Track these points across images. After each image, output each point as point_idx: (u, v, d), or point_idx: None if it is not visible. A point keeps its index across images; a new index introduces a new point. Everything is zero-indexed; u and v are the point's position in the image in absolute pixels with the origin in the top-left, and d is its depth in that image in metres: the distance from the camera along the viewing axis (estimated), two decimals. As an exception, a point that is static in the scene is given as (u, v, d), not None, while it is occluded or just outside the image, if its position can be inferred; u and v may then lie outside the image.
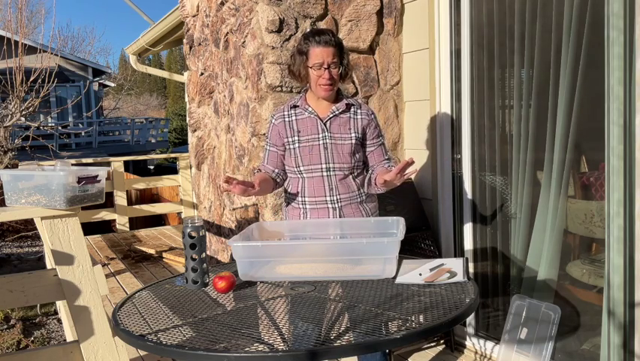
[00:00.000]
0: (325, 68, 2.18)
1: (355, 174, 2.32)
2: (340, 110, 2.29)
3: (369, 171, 2.35)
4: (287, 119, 2.32)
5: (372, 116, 2.34)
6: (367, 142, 2.34)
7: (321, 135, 2.27)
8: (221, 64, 3.71)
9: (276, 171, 2.37)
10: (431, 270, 1.83)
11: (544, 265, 2.69)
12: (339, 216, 2.29)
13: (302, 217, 2.31)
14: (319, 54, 2.17)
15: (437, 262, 1.92)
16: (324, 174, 2.27)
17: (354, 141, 2.28)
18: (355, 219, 2.25)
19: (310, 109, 2.29)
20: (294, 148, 2.29)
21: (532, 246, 2.75)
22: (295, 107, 2.32)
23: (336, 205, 2.28)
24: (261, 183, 2.19)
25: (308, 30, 2.31)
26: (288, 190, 2.37)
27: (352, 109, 2.31)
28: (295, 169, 2.31)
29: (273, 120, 2.35)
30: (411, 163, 2.01)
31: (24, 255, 7.68)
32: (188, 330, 1.47)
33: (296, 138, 2.29)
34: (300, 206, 2.31)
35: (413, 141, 3.32)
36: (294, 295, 1.71)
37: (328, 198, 2.28)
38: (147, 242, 6.28)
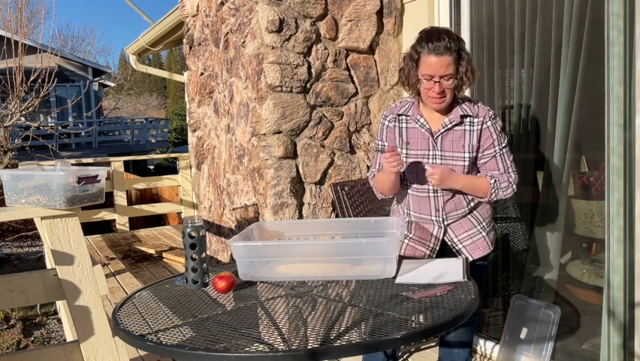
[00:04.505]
0: (436, 82, 1.93)
1: None
2: (453, 124, 2.03)
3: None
4: (398, 125, 2.11)
5: (488, 123, 2.03)
6: (479, 154, 2.07)
7: (431, 153, 2.06)
8: (221, 64, 3.71)
9: None
10: (428, 284, 1.76)
11: (544, 265, 2.69)
12: (445, 233, 2.15)
13: (407, 224, 2.18)
14: (431, 65, 1.91)
15: (437, 262, 1.92)
16: (431, 195, 2.10)
17: (466, 163, 2.04)
18: (355, 219, 2.24)
19: (422, 120, 2.06)
20: None
21: (532, 246, 2.75)
22: (405, 115, 2.10)
23: (442, 224, 2.13)
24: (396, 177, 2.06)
25: (424, 31, 1.99)
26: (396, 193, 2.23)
27: (468, 120, 2.03)
28: (402, 180, 2.16)
29: (386, 123, 2.14)
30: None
31: (24, 255, 7.68)
32: (188, 330, 1.47)
33: (404, 150, 2.09)
34: (405, 214, 2.20)
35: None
36: (295, 295, 1.71)
37: (434, 218, 2.13)
38: (147, 242, 6.27)
